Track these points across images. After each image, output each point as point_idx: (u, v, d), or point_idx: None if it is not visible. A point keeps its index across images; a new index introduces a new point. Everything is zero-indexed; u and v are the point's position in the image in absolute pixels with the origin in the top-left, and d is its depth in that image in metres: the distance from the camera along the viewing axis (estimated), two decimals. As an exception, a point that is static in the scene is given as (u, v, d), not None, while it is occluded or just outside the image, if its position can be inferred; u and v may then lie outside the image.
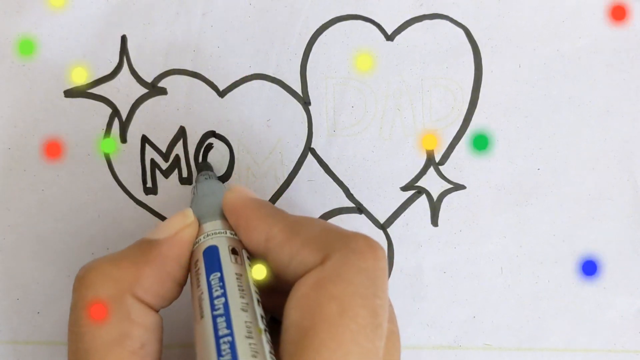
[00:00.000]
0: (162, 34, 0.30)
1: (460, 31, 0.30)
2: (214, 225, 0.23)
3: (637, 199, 0.30)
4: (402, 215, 0.30)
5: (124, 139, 0.30)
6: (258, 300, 0.20)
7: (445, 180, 0.30)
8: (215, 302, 0.20)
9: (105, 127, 0.29)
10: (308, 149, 0.30)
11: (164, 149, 0.30)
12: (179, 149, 0.30)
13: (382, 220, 0.30)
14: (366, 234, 0.21)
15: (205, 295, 0.20)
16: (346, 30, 0.30)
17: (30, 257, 0.29)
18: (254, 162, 0.30)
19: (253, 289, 0.21)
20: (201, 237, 0.23)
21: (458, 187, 0.30)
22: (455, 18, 0.30)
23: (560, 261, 0.30)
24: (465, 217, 0.30)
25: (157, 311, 0.22)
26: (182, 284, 0.22)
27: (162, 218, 0.29)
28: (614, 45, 0.30)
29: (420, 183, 0.30)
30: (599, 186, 0.30)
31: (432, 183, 0.30)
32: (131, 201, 0.29)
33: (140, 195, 0.29)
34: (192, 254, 0.22)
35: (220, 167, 0.30)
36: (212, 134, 0.30)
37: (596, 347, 0.30)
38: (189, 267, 0.22)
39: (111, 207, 0.29)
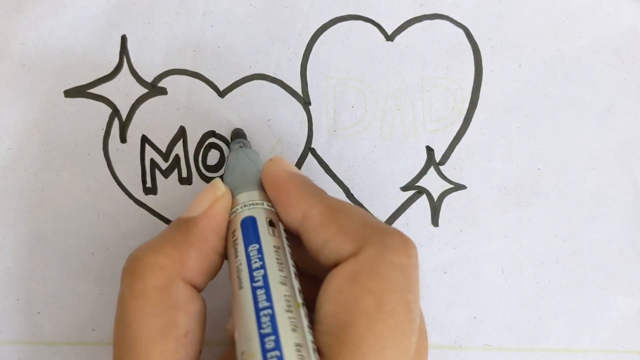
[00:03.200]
0: (162, 34, 0.30)
1: (460, 31, 0.30)
2: (250, 196, 0.23)
3: (637, 199, 0.30)
4: (403, 215, 0.30)
5: (123, 139, 0.30)
6: (295, 274, 0.20)
7: (446, 180, 0.30)
8: (255, 273, 0.20)
9: (105, 127, 0.29)
10: (308, 149, 0.30)
11: (163, 149, 0.30)
12: (178, 149, 0.30)
13: (382, 220, 0.30)
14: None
15: (244, 267, 0.20)
16: (346, 30, 0.30)
17: (30, 257, 0.29)
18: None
19: (290, 262, 0.21)
20: (238, 207, 0.23)
21: (458, 187, 0.30)
22: (455, 18, 0.30)
23: (561, 261, 0.30)
24: (466, 217, 0.30)
25: (202, 290, 0.22)
26: (223, 255, 0.22)
27: (162, 218, 0.29)
28: (614, 45, 0.30)
29: (420, 183, 0.30)
30: (599, 186, 0.30)
31: (432, 183, 0.30)
32: (131, 201, 0.29)
33: (140, 195, 0.29)
34: (228, 224, 0.22)
35: (220, 167, 0.30)
36: (212, 134, 0.30)
37: (597, 348, 0.30)
38: (226, 237, 0.22)
39: (111, 207, 0.29)
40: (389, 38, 0.30)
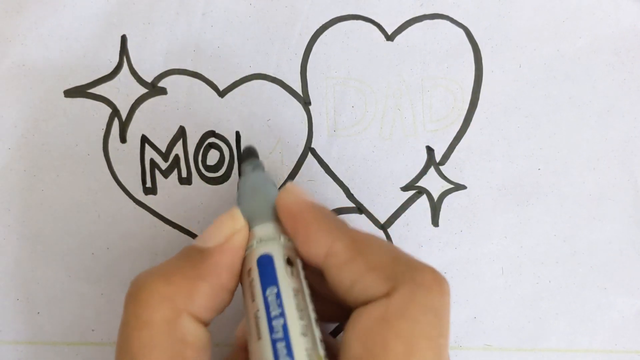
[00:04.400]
0: (162, 34, 0.30)
1: (461, 31, 0.30)
2: (266, 229, 0.22)
3: (637, 199, 0.30)
4: (403, 215, 0.30)
5: (123, 139, 0.30)
6: (316, 320, 0.20)
7: (446, 180, 0.30)
8: (274, 323, 0.19)
9: (105, 127, 0.29)
10: (308, 149, 0.30)
11: (163, 149, 0.30)
12: (178, 149, 0.30)
13: (382, 221, 0.30)
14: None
15: (262, 314, 0.19)
16: (346, 30, 0.30)
17: (30, 257, 0.29)
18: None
19: (310, 307, 0.20)
20: (253, 241, 0.21)
21: (459, 187, 0.30)
22: (455, 18, 0.30)
23: (561, 261, 0.30)
24: (466, 218, 0.30)
25: (207, 325, 0.21)
26: (233, 291, 0.21)
27: (162, 218, 0.29)
28: (614, 45, 0.30)
29: (420, 183, 0.30)
30: (599, 186, 0.30)
31: (432, 183, 0.30)
32: (131, 201, 0.29)
33: (139, 195, 0.29)
34: (243, 260, 0.21)
35: (219, 167, 0.30)
36: (212, 134, 0.30)
37: (597, 348, 0.30)
38: (241, 275, 0.21)
39: (111, 207, 0.29)
40: (389, 38, 0.30)
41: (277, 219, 0.22)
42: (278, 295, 0.19)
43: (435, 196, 0.30)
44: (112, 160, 0.29)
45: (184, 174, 0.30)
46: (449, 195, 0.30)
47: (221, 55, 0.30)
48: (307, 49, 0.30)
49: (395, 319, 0.18)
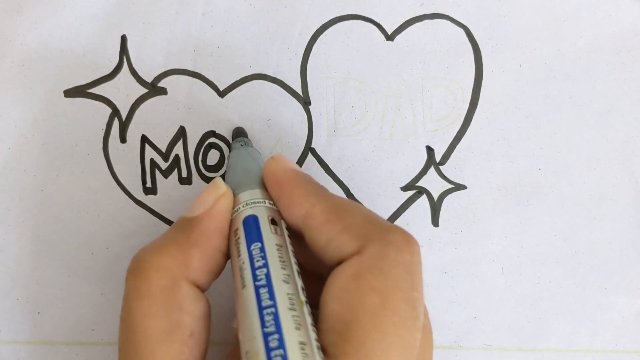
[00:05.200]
0: (162, 34, 0.30)
1: (461, 31, 0.30)
2: (252, 194, 0.23)
3: (637, 199, 0.30)
4: (403, 215, 0.30)
5: (123, 139, 0.30)
6: (298, 272, 0.20)
7: (446, 180, 0.30)
8: (257, 272, 0.20)
9: (105, 127, 0.29)
10: (308, 149, 0.30)
11: (163, 149, 0.30)
12: (178, 149, 0.30)
13: (382, 221, 0.30)
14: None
15: (247, 265, 0.20)
16: (346, 30, 0.30)
17: (30, 257, 0.29)
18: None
19: (293, 260, 0.21)
20: (240, 205, 0.23)
21: (459, 187, 0.30)
22: (455, 18, 0.30)
23: (561, 261, 0.30)
24: (466, 217, 0.30)
25: (206, 290, 0.22)
26: (227, 254, 0.22)
27: (162, 218, 0.29)
28: (614, 45, 0.30)
29: (420, 183, 0.30)
30: (599, 186, 0.30)
31: (432, 183, 0.30)
32: (131, 201, 0.29)
33: (140, 195, 0.29)
34: (230, 222, 0.22)
35: (220, 167, 0.30)
36: (212, 134, 0.30)
37: (597, 348, 0.30)
38: (228, 236, 0.22)
39: (111, 207, 0.29)
40: (389, 38, 0.30)
41: (263, 187, 0.24)
42: (262, 250, 0.20)
43: (435, 196, 0.30)
44: (112, 160, 0.29)
45: (184, 174, 0.30)
46: (449, 195, 0.30)
47: (221, 55, 0.30)
48: (307, 49, 0.30)
49: (368, 273, 0.19)
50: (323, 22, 0.30)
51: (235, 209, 0.23)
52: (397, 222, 0.30)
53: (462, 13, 0.30)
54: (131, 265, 0.21)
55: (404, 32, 0.30)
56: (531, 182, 0.30)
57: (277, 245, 0.21)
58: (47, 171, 0.29)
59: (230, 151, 0.28)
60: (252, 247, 0.21)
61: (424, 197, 0.30)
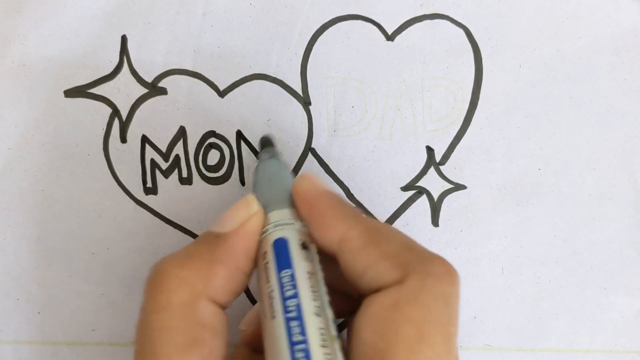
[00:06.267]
0: (162, 34, 0.30)
1: (461, 31, 0.30)
2: (282, 214, 0.22)
3: (637, 199, 0.30)
4: (403, 215, 0.30)
5: (124, 139, 0.30)
6: (329, 302, 0.20)
7: (446, 180, 0.30)
8: (288, 303, 0.19)
9: (105, 127, 0.29)
10: (308, 149, 0.30)
11: (164, 149, 0.30)
12: (179, 149, 0.30)
13: (382, 221, 0.30)
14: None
15: (277, 294, 0.19)
16: (346, 30, 0.30)
17: (30, 257, 0.29)
18: (255, 162, 0.30)
19: (324, 289, 0.20)
20: (269, 226, 0.22)
21: (459, 187, 0.30)
22: (455, 18, 0.30)
23: (561, 261, 0.30)
24: (466, 218, 0.30)
25: (226, 308, 0.21)
26: (250, 275, 0.22)
27: (163, 218, 0.29)
28: (614, 45, 0.30)
29: (420, 183, 0.30)
30: (599, 186, 0.30)
31: (432, 183, 0.30)
32: (131, 201, 0.29)
33: (140, 195, 0.29)
34: (259, 244, 0.22)
35: (220, 167, 0.30)
36: (212, 134, 0.30)
37: (597, 348, 0.30)
38: (256, 258, 0.22)
39: (111, 207, 0.29)
40: (389, 38, 0.30)
41: (292, 205, 0.23)
42: (292, 277, 0.20)
43: (435, 196, 0.30)
44: (112, 160, 0.29)
45: (185, 174, 0.30)
46: (449, 195, 0.30)
47: (221, 55, 0.30)
48: (307, 49, 0.30)
49: (406, 304, 0.19)
50: (323, 22, 0.30)
51: (264, 229, 0.22)
52: (397, 222, 0.30)
53: (462, 13, 0.30)
54: (151, 275, 0.20)
55: (404, 32, 0.30)
56: (531, 182, 0.30)
57: (308, 273, 0.20)
58: (47, 171, 0.29)
59: (258, 162, 0.26)
60: (283, 274, 0.20)
61: (424, 197, 0.30)
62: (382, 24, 0.30)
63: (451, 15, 0.30)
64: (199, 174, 0.30)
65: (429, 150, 0.30)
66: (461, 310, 0.30)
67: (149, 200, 0.29)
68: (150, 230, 0.29)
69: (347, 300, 0.22)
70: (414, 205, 0.30)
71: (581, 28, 0.30)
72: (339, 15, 0.30)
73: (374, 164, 0.30)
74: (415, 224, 0.30)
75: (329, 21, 0.30)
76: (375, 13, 0.30)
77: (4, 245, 0.29)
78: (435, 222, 0.30)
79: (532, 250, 0.30)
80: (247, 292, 0.30)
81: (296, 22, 0.30)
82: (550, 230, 0.30)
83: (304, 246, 0.21)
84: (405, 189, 0.30)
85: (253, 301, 0.30)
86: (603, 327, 0.30)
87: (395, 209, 0.30)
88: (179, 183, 0.30)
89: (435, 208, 0.30)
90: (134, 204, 0.29)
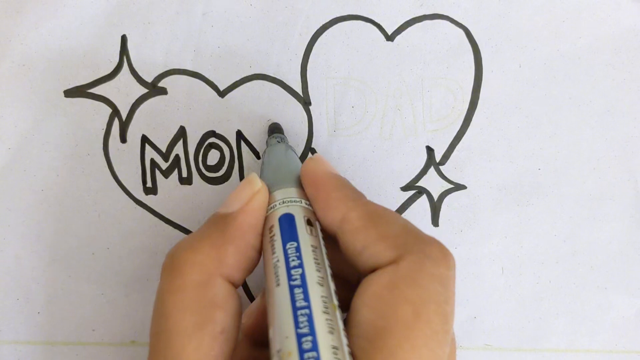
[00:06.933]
0: (162, 34, 0.30)
1: (461, 31, 0.30)
2: (288, 193, 0.23)
3: (637, 199, 0.30)
4: (403, 215, 0.30)
5: (123, 139, 0.30)
6: (331, 275, 0.20)
7: (446, 180, 0.30)
8: (292, 272, 0.20)
9: (105, 127, 0.29)
10: (308, 149, 0.30)
11: (164, 149, 0.30)
12: (179, 149, 0.30)
13: (382, 221, 0.30)
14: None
15: (282, 264, 0.20)
16: (346, 30, 0.30)
17: (30, 257, 0.29)
18: (255, 162, 0.30)
19: (327, 262, 0.21)
20: (276, 203, 0.23)
21: (459, 187, 0.30)
22: (455, 18, 0.30)
23: (561, 261, 0.30)
24: (466, 217, 0.30)
25: (239, 286, 0.22)
26: (260, 250, 0.22)
27: (163, 218, 0.29)
28: (614, 45, 0.30)
29: (420, 183, 0.30)
30: (599, 186, 0.30)
31: (432, 183, 0.30)
32: (131, 201, 0.29)
33: (140, 195, 0.29)
34: (266, 219, 0.22)
35: (220, 167, 0.30)
36: (212, 134, 0.30)
37: (597, 348, 0.30)
38: (263, 233, 0.22)
39: (111, 207, 0.29)
40: (389, 38, 0.30)
41: (299, 186, 0.24)
42: (297, 249, 0.20)
43: (435, 196, 0.30)
44: (112, 160, 0.29)
45: (185, 174, 0.30)
46: (449, 195, 0.30)
47: (221, 55, 0.30)
48: (307, 49, 0.30)
49: (403, 284, 0.19)
50: (323, 23, 0.30)
51: (271, 206, 0.23)
52: (397, 222, 0.30)
53: (462, 13, 0.30)
54: (166, 261, 0.21)
55: (404, 33, 0.30)
56: (531, 182, 0.30)
57: (312, 246, 0.21)
58: (47, 171, 0.29)
59: (266, 146, 0.28)
60: (288, 245, 0.21)
61: (424, 197, 0.30)
62: (382, 24, 0.30)
63: (451, 16, 0.30)
64: (199, 174, 0.30)
65: (429, 150, 0.30)
66: (461, 310, 0.30)
67: (148, 200, 0.29)
68: (150, 230, 0.29)
69: (346, 286, 0.22)
70: (414, 205, 0.30)
71: (581, 28, 0.30)
72: (339, 15, 0.30)
73: (374, 164, 0.30)
74: (415, 224, 0.30)
75: (329, 21, 0.30)
76: (375, 13, 0.30)
77: (4, 245, 0.29)
78: (435, 222, 0.30)
79: (532, 250, 0.30)
80: (247, 291, 0.30)
81: (296, 23, 0.30)
82: (550, 230, 0.30)
83: (309, 222, 0.22)
84: (405, 189, 0.30)
85: (252, 298, 0.30)
86: (603, 327, 0.30)
87: (395, 209, 0.30)
88: (178, 183, 0.30)
89: (435, 208, 0.30)
90: (134, 203, 0.29)
